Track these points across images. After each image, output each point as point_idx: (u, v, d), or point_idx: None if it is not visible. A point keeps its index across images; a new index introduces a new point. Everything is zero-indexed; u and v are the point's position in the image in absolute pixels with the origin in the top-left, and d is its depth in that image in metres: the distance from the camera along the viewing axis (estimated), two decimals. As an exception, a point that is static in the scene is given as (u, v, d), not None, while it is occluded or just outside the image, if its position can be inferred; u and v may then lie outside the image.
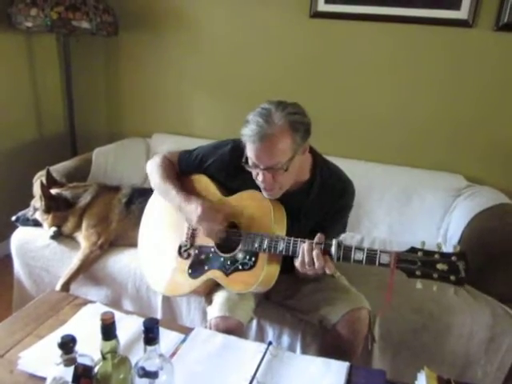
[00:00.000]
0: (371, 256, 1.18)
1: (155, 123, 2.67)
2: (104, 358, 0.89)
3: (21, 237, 1.99)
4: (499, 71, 2.03)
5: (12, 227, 2.02)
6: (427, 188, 2.11)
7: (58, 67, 2.75)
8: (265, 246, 1.32)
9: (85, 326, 1.19)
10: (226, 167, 1.47)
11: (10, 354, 1.14)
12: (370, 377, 1.11)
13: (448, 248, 1.81)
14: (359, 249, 1.20)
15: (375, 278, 1.58)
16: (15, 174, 2.54)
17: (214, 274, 1.42)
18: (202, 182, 1.53)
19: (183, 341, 1.19)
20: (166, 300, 1.73)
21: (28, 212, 2.00)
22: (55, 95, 2.77)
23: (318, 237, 1.24)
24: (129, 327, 1.19)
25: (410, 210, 2.12)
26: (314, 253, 1.22)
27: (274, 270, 1.36)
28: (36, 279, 1.97)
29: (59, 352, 0.85)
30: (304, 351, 1.55)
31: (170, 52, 2.53)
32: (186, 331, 1.24)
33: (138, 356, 0.89)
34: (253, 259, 1.35)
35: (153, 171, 1.57)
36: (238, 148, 1.39)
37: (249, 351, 1.16)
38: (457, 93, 2.11)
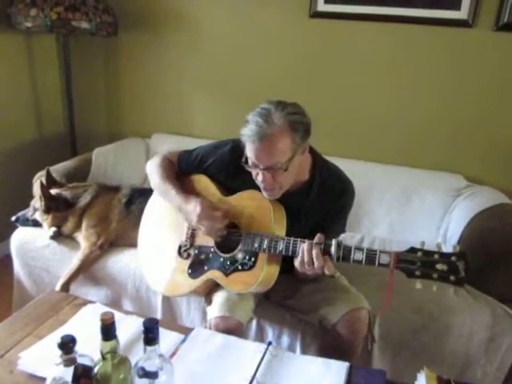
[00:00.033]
0: (371, 256, 1.18)
1: (155, 123, 2.67)
2: (104, 358, 0.89)
3: (21, 237, 1.99)
4: (499, 71, 2.03)
5: (12, 227, 2.02)
6: (427, 188, 2.11)
7: (57, 67, 2.75)
8: (264, 246, 1.32)
9: (85, 326, 1.19)
10: (226, 167, 1.47)
11: (10, 354, 1.14)
12: (370, 377, 1.11)
13: (448, 248, 1.81)
14: (359, 249, 1.20)
15: (375, 278, 1.58)
16: (15, 174, 2.54)
17: (214, 274, 1.42)
18: (202, 181, 1.53)
19: (183, 341, 1.19)
20: (166, 300, 1.73)
21: (28, 212, 2.00)
22: (55, 95, 2.77)
23: (318, 237, 1.24)
24: (129, 327, 1.19)
25: (410, 210, 2.12)
26: (314, 252, 1.22)
27: (274, 270, 1.36)
28: (36, 279, 1.97)
29: (59, 352, 0.84)
30: (304, 351, 1.55)
31: (170, 52, 2.53)
32: (186, 331, 1.24)
33: (138, 356, 0.89)
34: (252, 259, 1.35)
35: (152, 171, 1.57)
36: (237, 148, 1.39)
37: (249, 351, 1.16)
38: (457, 93, 2.12)
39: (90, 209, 1.93)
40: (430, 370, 1.06)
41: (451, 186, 2.09)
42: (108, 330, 0.88)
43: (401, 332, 1.56)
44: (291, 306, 1.54)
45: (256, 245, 1.34)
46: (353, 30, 2.18)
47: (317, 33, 2.25)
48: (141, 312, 1.61)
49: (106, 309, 1.20)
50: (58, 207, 1.92)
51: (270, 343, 1.18)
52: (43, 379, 0.93)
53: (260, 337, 1.61)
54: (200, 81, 2.54)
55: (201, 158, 1.53)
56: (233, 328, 1.34)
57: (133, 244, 1.76)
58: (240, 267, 1.37)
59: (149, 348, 0.87)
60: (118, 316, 1.02)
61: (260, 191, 1.36)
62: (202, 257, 1.47)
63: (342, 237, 1.45)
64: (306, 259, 1.23)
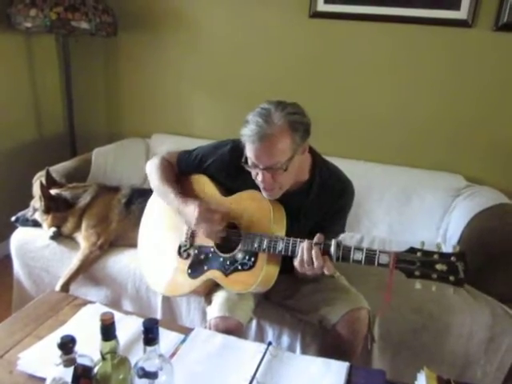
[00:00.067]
0: (370, 256, 1.18)
1: (155, 123, 2.67)
2: (104, 358, 0.89)
3: (20, 237, 1.99)
4: (499, 71, 2.03)
5: (12, 228, 2.02)
6: (427, 188, 2.11)
7: (57, 67, 2.75)
8: (264, 246, 1.32)
9: (84, 327, 1.19)
10: (226, 167, 1.47)
11: (10, 355, 1.14)
12: (370, 377, 1.11)
13: (448, 248, 1.81)
14: (358, 249, 1.20)
15: (374, 278, 1.58)
16: (15, 175, 2.54)
17: (214, 274, 1.42)
18: (202, 182, 1.53)
19: (183, 341, 1.19)
20: (166, 300, 1.73)
21: (27, 212, 2.00)
22: (55, 95, 2.77)
23: (317, 237, 1.24)
24: (128, 327, 1.19)
25: (410, 210, 2.12)
26: (313, 252, 1.22)
27: (274, 270, 1.36)
28: (36, 279, 1.97)
29: (59, 352, 0.84)
30: (304, 351, 1.55)
31: (170, 52, 2.53)
32: (186, 331, 1.24)
33: (138, 356, 0.89)
34: (252, 259, 1.35)
35: (152, 173, 1.57)
36: (237, 148, 1.39)
37: (248, 351, 1.16)
38: (456, 93, 2.12)
39: (90, 209, 1.93)
40: (429, 370, 1.06)
41: (451, 186, 2.09)
42: (108, 330, 0.88)
43: (400, 332, 1.56)
44: (291, 306, 1.54)
45: (256, 245, 1.34)
46: (352, 30, 2.18)
47: (316, 33, 2.25)
48: (141, 312, 1.61)
49: (106, 309, 1.20)
50: (57, 207, 1.92)
51: (269, 343, 1.18)
52: (43, 379, 0.93)
53: (260, 337, 1.61)
54: (200, 81, 2.54)
55: (200, 158, 1.53)
56: (233, 328, 1.34)
57: (133, 244, 1.76)
58: (240, 267, 1.37)
59: (149, 348, 0.87)
60: (118, 316, 1.02)
61: (260, 191, 1.36)
62: (202, 257, 1.47)
63: (341, 237, 1.45)
64: (305, 259, 1.23)
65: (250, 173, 1.34)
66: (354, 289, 1.48)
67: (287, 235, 1.33)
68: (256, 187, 1.37)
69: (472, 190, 2.05)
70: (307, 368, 1.12)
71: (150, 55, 2.57)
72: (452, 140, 2.18)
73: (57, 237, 1.92)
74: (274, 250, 1.31)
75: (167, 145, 2.44)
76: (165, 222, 1.60)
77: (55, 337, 1.00)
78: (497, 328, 1.58)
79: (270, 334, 1.60)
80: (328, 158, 1.49)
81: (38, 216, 1.96)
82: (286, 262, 1.35)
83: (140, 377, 0.86)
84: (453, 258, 1.10)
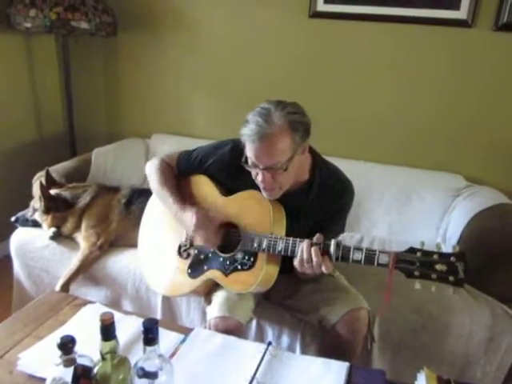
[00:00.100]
0: (370, 256, 1.18)
1: (154, 123, 2.67)
2: (103, 358, 0.89)
3: (20, 237, 1.99)
4: (498, 71, 2.03)
5: (11, 228, 2.02)
6: (427, 188, 2.11)
7: (57, 68, 2.75)
8: (264, 246, 1.32)
9: (84, 327, 1.19)
10: (227, 167, 1.47)
11: (10, 355, 1.14)
12: (370, 377, 1.11)
13: (447, 248, 1.81)
14: (358, 249, 1.20)
15: (374, 278, 1.58)
16: (14, 175, 2.54)
17: (214, 273, 1.42)
18: (202, 182, 1.54)
19: (183, 341, 1.19)
20: (166, 300, 1.73)
21: (27, 212, 2.00)
22: (54, 96, 2.77)
23: (317, 237, 1.25)
24: (128, 328, 1.19)
25: (410, 210, 2.12)
26: (313, 250, 1.22)
27: (273, 270, 1.36)
28: (35, 280, 1.97)
29: (59, 353, 0.84)
30: (303, 351, 1.55)
31: (170, 52, 2.53)
32: (186, 331, 1.24)
33: (138, 356, 0.89)
34: (252, 259, 1.35)
35: (151, 174, 1.57)
36: (237, 148, 1.39)
37: (248, 351, 1.16)
38: (456, 93, 2.12)
39: (90, 209, 1.93)
40: (429, 370, 1.06)
41: (451, 186, 2.09)
42: (108, 331, 0.88)
43: (400, 332, 1.56)
44: (291, 306, 1.54)
45: (255, 245, 1.34)
46: (352, 30, 2.18)
47: (316, 33, 2.25)
48: (140, 312, 1.61)
49: (106, 309, 1.20)
50: (57, 207, 1.92)
51: (269, 343, 1.18)
52: (43, 380, 0.93)
53: (260, 337, 1.61)
54: (199, 81, 2.54)
55: (201, 159, 1.53)
56: (232, 328, 1.34)
57: (132, 244, 1.76)
58: (239, 267, 1.37)
59: (148, 348, 0.87)
60: (118, 316, 1.02)
61: (260, 191, 1.36)
62: (202, 257, 1.47)
63: (341, 237, 1.45)
64: (305, 256, 1.23)
65: (250, 173, 1.34)
66: (354, 289, 1.48)
67: (287, 235, 1.33)
68: (256, 187, 1.37)
69: (472, 190, 2.05)
70: (307, 368, 1.12)
71: (149, 55, 2.57)
72: (452, 140, 2.18)
73: (57, 237, 1.92)
74: (274, 250, 1.31)
75: (167, 145, 2.45)
76: (165, 222, 1.59)
77: (55, 337, 1.00)
78: (497, 328, 1.58)
79: (270, 333, 1.60)
80: (328, 158, 1.49)
81: (37, 216, 1.96)
82: (285, 262, 1.35)
83: (140, 377, 0.86)
84: (452, 259, 1.10)
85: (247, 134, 1.25)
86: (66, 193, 1.97)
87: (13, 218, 2.00)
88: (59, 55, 2.66)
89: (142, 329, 0.86)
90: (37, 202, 1.95)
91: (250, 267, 1.35)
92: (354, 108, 2.29)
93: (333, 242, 1.22)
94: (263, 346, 1.17)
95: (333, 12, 2.17)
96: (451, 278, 1.10)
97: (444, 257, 1.11)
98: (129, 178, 2.36)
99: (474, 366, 1.60)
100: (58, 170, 2.15)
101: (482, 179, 2.15)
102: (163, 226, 1.60)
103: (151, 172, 1.58)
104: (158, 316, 1.73)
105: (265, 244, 1.32)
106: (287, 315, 1.58)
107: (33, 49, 2.59)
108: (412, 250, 1.15)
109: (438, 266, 1.11)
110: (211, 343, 1.19)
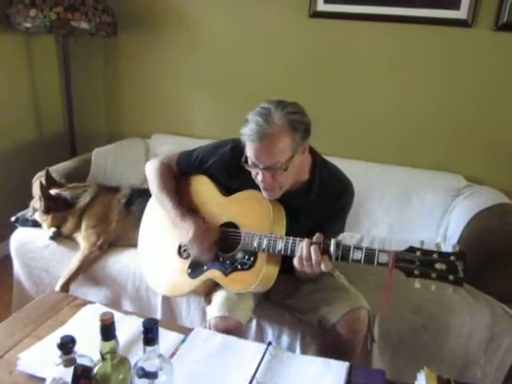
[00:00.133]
0: (370, 255, 1.18)
1: (154, 123, 2.67)
2: (103, 358, 0.89)
3: (20, 237, 1.99)
4: (499, 71, 2.03)
5: (11, 228, 2.02)
6: (427, 188, 2.11)
7: (57, 68, 2.75)
8: (264, 246, 1.32)
9: (84, 327, 1.19)
10: (227, 168, 1.47)
11: (10, 355, 1.14)
12: (370, 377, 1.11)
13: (447, 248, 1.81)
14: (358, 248, 1.20)
15: (374, 277, 1.58)
16: (14, 175, 2.54)
17: (213, 273, 1.42)
18: (202, 182, 1.54)
19: (183, 341, 1.19)
20: (166, 300, 1.73)
21: (27, 212, 2.00)
22: (54, 96, 2.77)
23: (317, 236, 1.24)
24: (128, 328, 1.19)
25: (410, 210, 2.12)
26: (312, 248, 1.22)
27: (273, 269, 1.36)
28: (35, 280, 1.97)
29: (59, 353, 0.84)
30: (303, 351, 1.55)
31: (170, 52, 2.53)
32: (186, 331, 1.24)
33: (138, 356, 0.89)
34: (252, 259, 1.35)
35: (150, 176, 1.57)
36: (238, 148, 1.39)
37: (248, 351, 1.16)
38: (456, 92, 2.12)
39: (90, 209, 1.92)
40: (429, 370, 1.06)
41: (451, 186, 2.09)
42: (107, 331, 0.87)
43: (400, 332, 1.56)
44: (291, 306, 1.54)
45: (255, 244, 1.34)
46: (352, 30, 2.18)
47: (316, 33, 2.25)
48: (140, 312, 1.61)
49: (106, 309, 1.19)
50: (57, 207, 1.92)
51: (269, 343, 1.18)
52: (43, 380, 0.93)
53: (260, 337, 1.61)
54: (199, 81, 2.54)
55: (201, 159, 1.53)
56: (232, 328, 1.34)
57: (132, 244, 1.76)
58: (239, 267, 1.37)
59: (148, 348, 0.87)
60: (118, 316, 1.02)
61: (260, 191, 1.36)
62: (202, 257, 1.47)
63: (341, 236, 1.45)
64: (304, 254, 1.23)
65: (250, 172, 1.34)
66: (354, 288, 1.48)
67: (287, 235, 1.33)
68: (256, 187, 1.37)
69: (472, 190, 2.05)
70: (307, 368, 1.12)
71: (149, 55, 2.57)
72: (452, 140, 2.18)
73: (57, 237, 1.92)
74: (274, 250, 1.31)
75: (167, 145, 2.45)
76: (165, 222, 1.59)
77: (55, 337, 1.00)
78: (497, 328, 1.58)
79: (270, 333, 1.60)
80: (328, 158, 1.49)
81: (37, 216, 1.96)
82: (285, 262, 1.35)
83: (140, 377, 0.86)
84: (452, 258, 1.10)
85: (247, 133, 1.25)
86: (66, 193, 1.97)
87: (13, 218, 2.00)
88: (59, 55, 2.66)
89: (141, 329, 0.86)
90: (37, 202, 1.95)
91: (250, 267, 1.35)
92: (354, 108, 2.29)
93: (332, 242, 1.22)
94: (263, 346, 1.17)
95: (333, 12, 2.17)
96: (451, 277, 1.10)
97: (444, 256, 1.11)
98: (129, 177, 2.36)
99: (473, 365, 1.60)
100: (58, 169, 2.15)
101: (482, 179, 2.15)
102: (163, 226, 1.60)
103: (150, 173, 1.58)
104: (158, 316, 1.73)
105: (265, 244, 1.32)
106: (287, 315, 1.58)
107: (33, 49, 2.60)
108: (412, 249, 1.15)
109: (438, 265, 1.11)
110: (211, 343, 1.19)
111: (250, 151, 1.27)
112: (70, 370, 0.85)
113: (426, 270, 1.12)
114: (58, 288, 1.77)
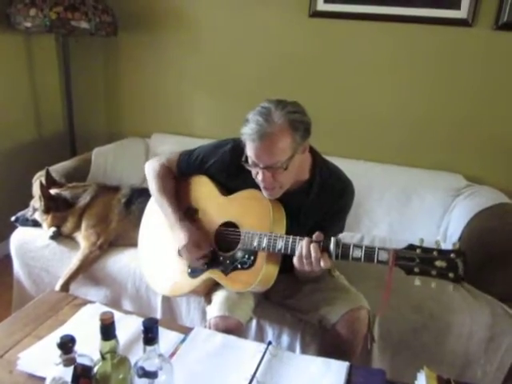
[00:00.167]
0: (369, 253, 1.18)
1: (154, 123, 2.67)
2: (103, 358, 0.89)
3: (20, 237, 1.99)
4: (499, 70, 2.03)
5: (11, 227, 2.02)
6: (427, 188, 2.11)
7: (57, 67, 2.75)
8: (263, 245, 1.32)
9: (84, 326, 1.19)
10: (227, 167, 1.47)
11: (10, 355, 1.14)
12: (370, 376, 1.11)
13: (447, 247, 1.81)
14: (357, 246, 1.20)
15: (374, 277, 1.58)
16: (14, 175, 2.53)
17: (213, 273, 1.42)
18: (202, 182, 1.54)
19: (183, 341, 1.19)
20: (166, 300, 1.73)
21: (27, 212, 2.00)
22: (54, 95, 2.77)
23: (317, 235, 1.24)
24: (128, 327, 1.19)
25: (410, 210, 2.12)
26: (312, 245, 1.22)
27: (273, 269, 1.36)
28: (35, 279, 1.97)
29: (58, 352, 0.84)
30: (303, 351, 1.55)
31: (170, 52, 2.53)
32: (186, 331, 1.24)
33: (138, 356, 0.89)
34: (252, 258, 1.35)
35: (149, 177, 1.58)
36: (238, 147, 1.39)
37: (248, 351, 1.16)
38: (456, 92, 2.11)
39: (90, 209, 1.93)
40: (429, 370, 1.06)
41: (451, 186, 2.09)
42: (107, 330, 0.87)
43: (400, 331, 1.56)
44: (291, 306, 1.54)
45: (255, 243, 1.34)
46: (352, 30, 2.18)
47: (316, 32, 2.25)
48: (140, 312, 1.61)
49: (106, 309, 1.20)
50: (57, 207, 1.92)
51: (269, 343, 1.18)
52: (43, 379, 0.93)
53: (260, 336, 1.61)
54: (200, 80, 2.54)
55: (202, 159, 1.53)
56: (232, 327, 1.34)
57: (133, 244, 1.76)
58: (239, 266, 1.37)
59: (148, 348, 0.87)
60: (118, 316, 1.02)
61: (260, 190, 1.36)
62: (202, 256, 1.46)
63: (340, 236, 1.45)
64: (304, 252, 1.23)
65: (250, 172, 1.34)
66: (354, 288, 1.48)
67: (287, 234, 1.33)
68: (256, 186, 1.37)
69: (472, 190, 2.05)
70: (307, 368, 1.12)
71: (150, 55, 2.57)
72: (452, 139, 2.18)
73: (57, 237, 1.92)
74: (274, 249, 1.31)
75: (167, 145, 2.45)
76: (165, 222, 1.59)
77: (55, 336, 1.00)
78: (497, 328, 1.58)
79: (270, 333, 1.60)
80: (328, 158, 1.49)
81: (37, 216, 1.96)
82: (285, 262, 1.35)
83: (140, 376, 0.86)
84: (452, 255, 1.10)
85: (247, 133, 1.25)
86: (65, 192, 1.97)
87: (13, 218, 2.00)
88: (59, 55, 2.66)
89: (141, 328, 0.86)
90: (37, 202, 1.95)
91: (250, 266, 1.35)
92: (354, 108, 2.29)
93: (332, 240, 1.22)
94: (263, 346, 1.17)
95: (333, 11, 2.17)
96: (451, 275, 1.09)
97: (444, 253, 1.11)
98: (129, 177, 2.36)
99: (474, 365, 1.60)
100: (57, 169, 2.15)
101: (482, 179, 2.15)
102: (163, 225, 1.60)
103: (149, 174, 1.58)
104: (158, 315, 1.73)
105: (265, 243, 1.32)
106: (287, 315, 1.58)
107: (33, 49, 2.59)
108: (411, 247, 1.14)
109: (438, 263, 1.11)
110: (211, 343, 1.19)
111: (250, 151, 1.27)
112: (70, 370, 0.85)
113: (426, 268, 1.12)
114: (57, 287, 1.77)
